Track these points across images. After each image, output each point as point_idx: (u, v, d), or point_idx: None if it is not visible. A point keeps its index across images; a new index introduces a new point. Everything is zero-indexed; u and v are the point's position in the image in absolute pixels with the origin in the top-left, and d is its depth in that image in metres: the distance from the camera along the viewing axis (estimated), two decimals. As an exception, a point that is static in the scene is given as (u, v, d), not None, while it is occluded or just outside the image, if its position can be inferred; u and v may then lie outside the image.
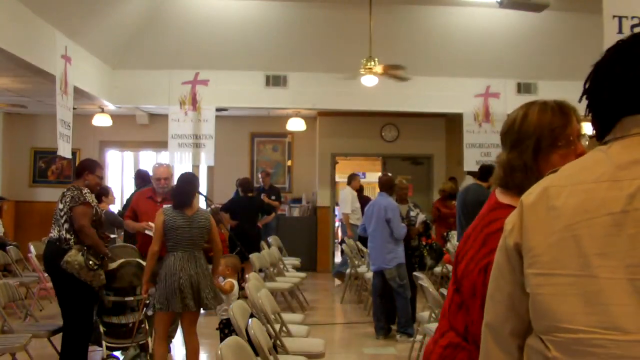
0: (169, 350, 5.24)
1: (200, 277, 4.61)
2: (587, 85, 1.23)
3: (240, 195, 9.04)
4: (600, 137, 1.20)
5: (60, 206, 4.83)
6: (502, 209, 1.63)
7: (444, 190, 10.21)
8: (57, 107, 6.96)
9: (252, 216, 8.70)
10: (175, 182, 5.26)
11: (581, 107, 1.29)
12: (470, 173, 9.48)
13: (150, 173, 6.02)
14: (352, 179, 10.64)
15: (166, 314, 4.63)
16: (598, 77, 1.20)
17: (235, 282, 4.97)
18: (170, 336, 5.33)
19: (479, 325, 1.55)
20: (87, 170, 4.98)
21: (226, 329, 4.77)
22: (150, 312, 4.95)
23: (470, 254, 1.62)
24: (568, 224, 1.07)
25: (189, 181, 4.92)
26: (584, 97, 1.24)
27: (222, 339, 4.77)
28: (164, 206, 4.90)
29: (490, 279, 1.23)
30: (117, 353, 5.39)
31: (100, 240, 4.95)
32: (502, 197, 1.69)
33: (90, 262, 4.72)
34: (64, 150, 7.06)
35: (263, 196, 10.83)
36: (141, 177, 7.63)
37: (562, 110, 1.67)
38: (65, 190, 4.93)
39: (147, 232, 5.24)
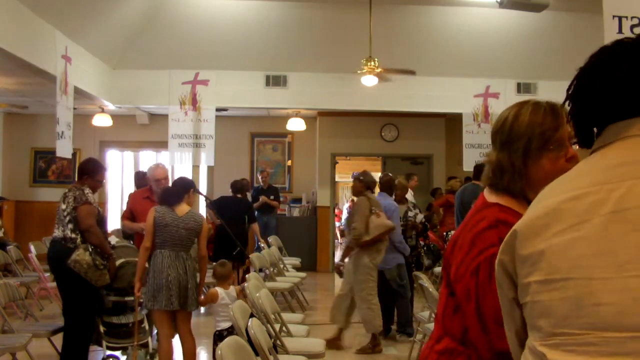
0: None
1: (188, 277, 4.64)
2: (571, 91, 1.20)
3: (231, 195, 9.11)
4: (587, 143, 1.19)
5: (63, 206, 4.85)
6: (489, 207, 1.62)
7: (452, 191, 10.02)
8: (57, 107, 6.97)
9: (237, 216, 8.70)
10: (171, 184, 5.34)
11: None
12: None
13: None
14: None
15: (162, 312, 4.63)
16: (591, 82, 1.17)
17: (220, 290, 4.84)
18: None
19: (475, 329, 1.54)
20: (87, 175, 5.02)
21: (219, 340, 4.75)
22: (145, 312, 4.95)
23: (460, 256, 1.60)
24: (560, 229, 1.07)
25: (180, 184, 4.95)
26: (567, 102, 1.22)
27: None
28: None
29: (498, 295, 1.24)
30: (117, 353, 5.40)
31: (105, 240, 4.99)
32: (489, 196, 1.66)
33: (97, 261, 4.76)
34: (63, 150, 7.06)
35: (262, 198, 10.82)
36: (141, 178, 7.63)
37: (554, 112, 1.63)
38: (66, 190, 4.97)
39: (144, 232, 5.25)
